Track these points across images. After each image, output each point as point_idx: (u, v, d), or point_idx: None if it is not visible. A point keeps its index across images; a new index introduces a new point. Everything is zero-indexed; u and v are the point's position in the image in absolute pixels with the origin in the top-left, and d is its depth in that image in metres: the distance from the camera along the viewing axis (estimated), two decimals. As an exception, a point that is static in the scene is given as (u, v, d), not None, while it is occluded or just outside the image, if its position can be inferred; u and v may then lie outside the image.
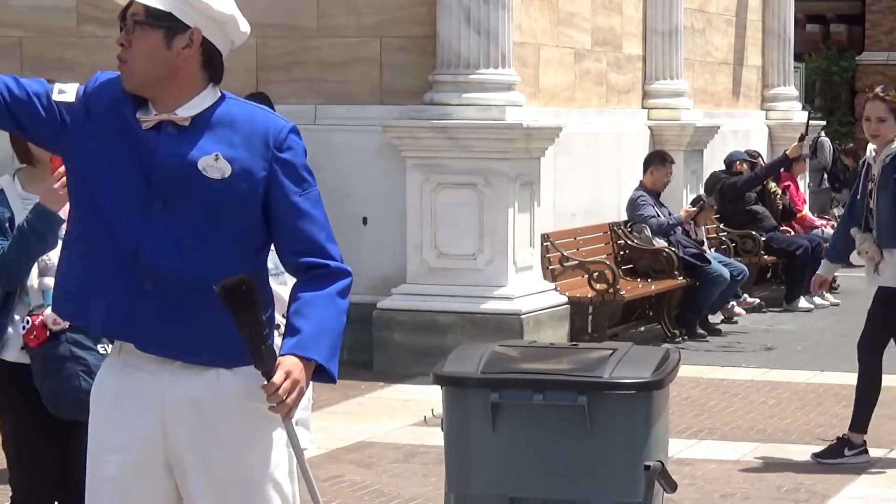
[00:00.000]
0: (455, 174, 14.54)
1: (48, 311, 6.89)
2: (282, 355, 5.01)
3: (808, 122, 21.34)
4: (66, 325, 6.84)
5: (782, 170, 20.80)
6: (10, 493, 7.24)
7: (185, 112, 5.10)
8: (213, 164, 5.07)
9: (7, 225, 6.93)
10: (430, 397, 12.84)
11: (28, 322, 6.89)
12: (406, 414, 12.68)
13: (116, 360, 5.25)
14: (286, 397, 4.94)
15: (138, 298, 5.06)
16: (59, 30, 15.65)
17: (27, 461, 7.13)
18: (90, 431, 5.31)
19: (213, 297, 4.90)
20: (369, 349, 14.49)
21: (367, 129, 14.69)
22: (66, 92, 5.13)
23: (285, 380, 4.94)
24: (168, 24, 5.04)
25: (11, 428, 7.18)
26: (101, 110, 5.11)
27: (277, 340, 6.27)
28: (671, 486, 6.18)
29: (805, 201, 22.38)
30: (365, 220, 14.81)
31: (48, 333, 6.85)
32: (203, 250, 5.07)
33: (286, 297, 6.63)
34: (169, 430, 5.12)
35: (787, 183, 21.35)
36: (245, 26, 5.20)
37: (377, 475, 10.74)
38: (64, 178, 6.56)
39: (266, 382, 4.94)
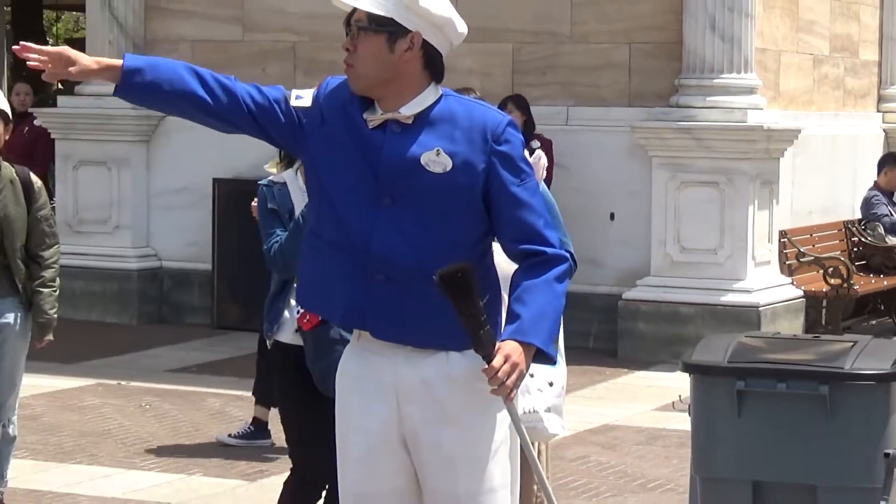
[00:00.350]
0: (698, 173, 14.47)
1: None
2: (502, 340, 5.02)
3: None
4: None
5: None
6: (291, 467, 7.34)
7: (408, 110, 5.12)
8: (435, 158, 5.10)
9: (287, 216, 7.03)
10: (672, 383, 12.88)
11: (300, 308, 6.97)
12: (649, 399, 12.65)
13: (356, 346, 5.32)
14: (506, 380, 4.94)
15: (372, 289, 5.12)
16: (330, 35, 15.77)
17: (308, 440, 7.19)
18: (337, 413, 5.41)
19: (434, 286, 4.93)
20: (614, 338, 14.48)
21: (615, 130, 14.68)
22: (303, 97, 5.21)
23: (504, 363, 4.94)
24: (390, 28, 5.08)
25: (293, 408, 7.26)
26: (333, 113, 5.17)
27: None
28: (909, 473, 6.12)
29: None
30: (612, 216, 14.81)
31: (320, 318, 6.92)
32: (429, 241, 5.10)
33: None
34: (403, 410, 5.18)
35: None
36: (462, 27, 5.23)
37: (621, 456, 10.73)
38: None
39: (486, 366, 4.95)
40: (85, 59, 5.07)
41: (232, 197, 15.15)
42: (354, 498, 5.33)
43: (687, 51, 14.69)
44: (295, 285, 6.97)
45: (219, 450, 10.64)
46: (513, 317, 5.07)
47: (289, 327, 7.10)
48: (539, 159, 7.12)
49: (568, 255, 5.28)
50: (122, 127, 16.31)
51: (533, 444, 6.97)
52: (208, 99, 5.15)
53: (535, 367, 6.51)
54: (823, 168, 17.02)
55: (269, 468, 9.62)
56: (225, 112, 5.18)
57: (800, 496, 6.15)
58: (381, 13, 5.07)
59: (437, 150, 5.09)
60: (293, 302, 7.02)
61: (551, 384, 6.66)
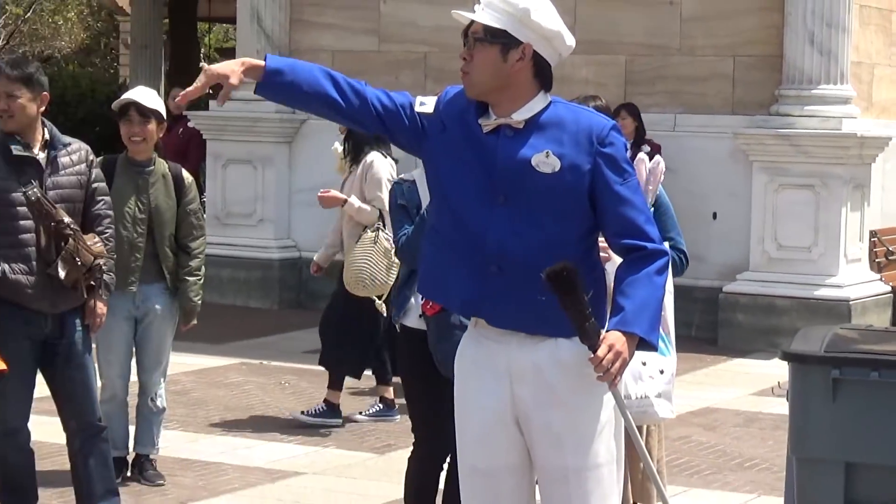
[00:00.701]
0: (795, 176, 14.42)
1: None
2: (607, 331, 5.02)
3: None
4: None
5: None
6: (414, 441, 7.33)
7: (520, 116, 5.14)
8: (545, 160, 5.11)
9: (415, 211, 7.03)
10: (767, 370, 12.82)
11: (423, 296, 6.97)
12: (746, 384, 12.60)
13: (473, 332, 5.34)
14: (610, 367, 4.94)
15: (487, 281, 5.13)
16: (458, 46, 15.73)
17: (430, 417, 7.17)
18: (455, 394, 5.43)
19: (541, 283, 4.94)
20: (715, 327, 14.44)
21: (719, 136, 14.64)
22: (426, 104, 5.24)
23: (609, 352, 4.94)
24: (503, 40, 5.09)
25: (417, 388, 7.24)
26: (452, 119, 5.19)
27: None
28: None
29: None
30: (715, 215, 14.79)
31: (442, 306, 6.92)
32: (539, 236, 5.10)
33: None
34: (516, 392, 5.18)
35: None
36: (570, 40, 5.20)
37: (720, 437, 10.67)
38: None
39: (592, 355, 4.95)
40: (230, 65, 5.13)
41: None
42: (472, 472, 5.33)
43: (787, 63, 14.63)
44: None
45: (351, 425, 10.67)
46: (617, 309, 5.08)
47: (414, 313, 7.09)
48: (658, 164, 7.09)
49: (667, 249, 5.30)
50: (267, 129, 16.43)
51: (645, 426, 6.97)
52: (340, 100, 5.19)
53: (648, 356, 6.52)
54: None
55: (396, 442, 9.62)
56: (355, 113, 5.24)
57: (889, 477, 6.07)
58: (496, 26, 5.09)
59: (547, 153, 5.11)
60: (418, 291, 7.04)
61: (662, 372, 6.67)
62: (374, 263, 10.08)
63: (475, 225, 5.14)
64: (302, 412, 10.60)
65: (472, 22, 5.16)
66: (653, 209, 7.09)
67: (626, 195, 5.15)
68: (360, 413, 10.75)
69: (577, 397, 5.16)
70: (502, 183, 5.11)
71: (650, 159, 7.12)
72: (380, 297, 10.19)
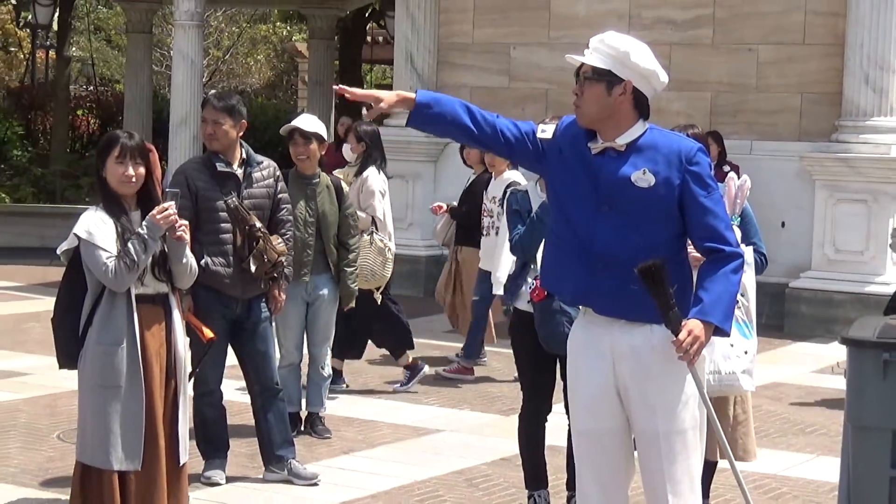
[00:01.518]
0: (851, 192, 14.27)
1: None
2: (688, 319, 5.00)
3: None
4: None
5: None
6: (522, 399, 7.36)
7: (622, 140, 5.15)
8: (642, 176, 5.11)
9: (527, 214, 7.05)
10: (824, 353, 12.67)
11: (533, 284, 6.97)
12: (807, 363, 12.46)
13: (582, 319, 5.34)
14: (689, 349, 4.94)
15: (594, 276, 5.14)
16: (574, 84, 15.78)
17: (535, 384, 7.25)
18: (568, 370, 5.43)
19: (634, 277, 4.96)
20: (782, 317, 14.27)
21: (788, 159, 14.51)
22: (546, 131, 5.26)
23: (688, 336, 4.94)
24: (608, 78, 5.11)
25: (525, 360, 7.27)
26: (567, 143, 5.21)
27: (738, 314, 6.24)
28: None
29: None
30: (783, 224, 14.64)
31: (546, 293, 6.90)
32: (637, 239, 5.09)
33: (743, 281, 6.54)
34: (616, 369, 5.18)
35: None
36: (664, 77, 5.19)
37: (785, 406, 10.55)
38: None
39: (674, 339, 4.95)
40: (387, 92, 5.20)
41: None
42: (581, 434, 5.34)
43: (845, 99, 14.48)
44: (532, 266, 6.99)
45: (482, 391, 10.66)
46: (697, 300, 5.06)
47: (524, 298, 7.11)
48: (745, 182, 7.05)
49: (742, 252, 5.28)
50: (417, 150, 16.49)
51: (732, 396, 6.94)
52: (475, 130, 5.22)
53: (735, 339, 6.51)
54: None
55: (518, 406, 9.63)
56: (486, 140, 5.28)
57: (928, 443, 5.96)
58: (602, 66, 5.11)
59: (644, 170, 5.11)
60: (529, 279, 7.04)
61: (746, 352, 6.68)
62: (371, 261, 10.08)
63: (584, 229, 5.15)
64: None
65: (583, 63, 5.16)
66: (740, 219, 7.03)
67: (709, 206, 5.13)
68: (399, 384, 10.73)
69: (667, 374, 5.14)
70: (606, 195, 5.12)
71: (738, 178, 7.08)
72: (377, 290, 10.21)
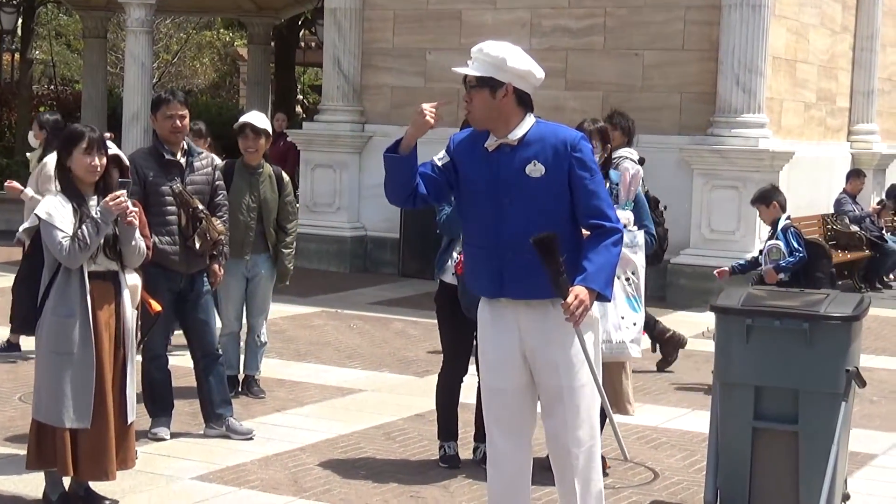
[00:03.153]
0: (724, 180, 14.36)
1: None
2: (573, 286, 5.04)
3: None
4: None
5: None
6: (441, 363, 7.37)
7: (514, 135, 5.16)
8: (533, 168, 5.12)
9: (452, 198, 7.03)
10: (701, 320, 12.74)
11: (457, 259, 6.97)
12: (686, 330, 12.40)
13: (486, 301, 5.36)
14: (576, 311, 4.99)
15: (506, 265, 5.17)
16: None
17: (456, 346, 7.27)
18: (479, 337, 5.43)
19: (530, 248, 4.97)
20: (664, 288, 14.33)
21: (669, 151, 14.53)
22: (443, 157, 5.29)
23: (574, 300, 4.99)
24: (490, 84, 5.11)
25: (448, 325, 7.28)
26: (464, 150, 5.24)
27: (628, 290, 6.26)
28: (861, 383, 5.96)
29: None
30: (665, 207, 14.64)
31: (469, 266, 6.92)
32: (540, 223, 5.08)
33: (634, 260, 6.57)
34: (522, 336, 5.22)
35: None
36: (540, 73, 5.19)
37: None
38: None
39: (563, 302, 5.01)
40: (413, 131, 5.24)
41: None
42: (492, 391, 5.35)
43: (719, 98, 14.55)
44: (457, 244, 6.99)
45: (399, 355, 10.65)
46: (581, 270, 5.09)
47: (449, 272, 7.12)
48: (638, 172, 7.10)
49: (621, 227, 5.27)
50: (344, 143, 16.41)
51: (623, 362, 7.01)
52: (411, 190, 5.29)
53: (626, 312, 6.54)
54: (809, 178, 16.80)
55: (433, 369, 9.61)
56: (416, 196, 5.31)
57: (786, 397, 6.03)
58: (484, 74, 5.12)
59: (534, 162, 5.12)
60: (454, 254, 7.04)
61: (635, 324, 6.69)
62: None
63: (493, 223, 5.15)
64: None
65: (467, 75, 5.17)
66: (633, 204, 7.08)
67: (592, 188, 5.16)
68: None
69: (566, 336, 5.17)
70: (506, 187, 5.13)
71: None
72: None
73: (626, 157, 8.65)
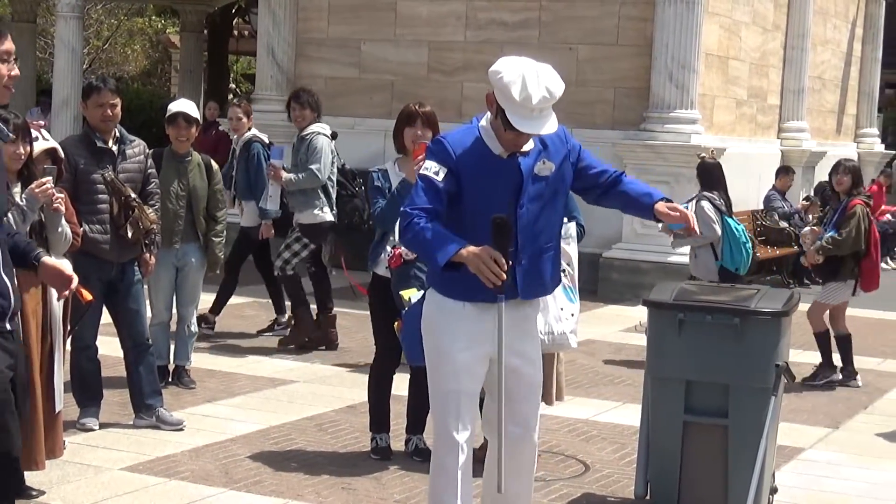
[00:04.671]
0: (656, 175, 14.38)
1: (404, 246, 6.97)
2: (659, 202, 5.30)
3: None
4: (414, 256, 6.91)
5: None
6: (374, 351, 7.39)
7: (526, 147, 5.04)
8: (542, 166, 5.07)
9: (387, 190, 7.03)
10: (632, 314, 12.85)
11: (391, 252, 6.97)
12: (617, 324, 12.63)
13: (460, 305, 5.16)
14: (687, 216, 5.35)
15: (517, 265, 5.04)
16: (415, 75, 15.79)
17: (388, 336, 7.21)
18: (444, 339, 5.16)
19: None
20: (595, 282, 14.42)
21: (602, 145, 14.52)
22: (439, 172, 4.96)
23: (678, 211, 5.36)
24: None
25: (380, 317, 7.28)
26: (472, 156, 4.99)
27: (565, 281, 6.28)
28: (791, 378, 6.03)
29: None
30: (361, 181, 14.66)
31: (402, 260, 6.92)
32: (547, 225, 5.11)
33: (568, 251, 6.58)
34: (497, 337, 4.98)
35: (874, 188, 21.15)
36: (517, 94, 4.88)
37: (597, 361, 10.70)
38: (419, 160, 6.70)
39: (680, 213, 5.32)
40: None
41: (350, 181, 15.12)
42: (454, 392, 5.16)
43: (652, 94, 14.66)
44: (391, 236, 6.97)
45: (332, 346, 10.62)
46: (647, 194, 5.41)
47: (383, 264, 7.11)
48: None
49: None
50: (276, 132, 16.27)
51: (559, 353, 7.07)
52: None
53: (564, 303, 6.56)
54: (739, 175, 16.90)
55: (366, 360, 9.60)
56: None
57: (716, 391, 6.09)
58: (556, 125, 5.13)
59: (543, 161, 5.07)
60: (388, 248, 7.02)
61: (573, 315, 6.72)
62: None
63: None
64: None
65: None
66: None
67: (591, 155, 5.39)
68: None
69: (536, 333, 5.30)
70: (522, 190, 5.02)
71: None
72: None
73: (319, 133, 8.74)
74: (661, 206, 5.21)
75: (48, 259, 4.77)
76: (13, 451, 4.54)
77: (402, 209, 5.05)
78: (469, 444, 5.18)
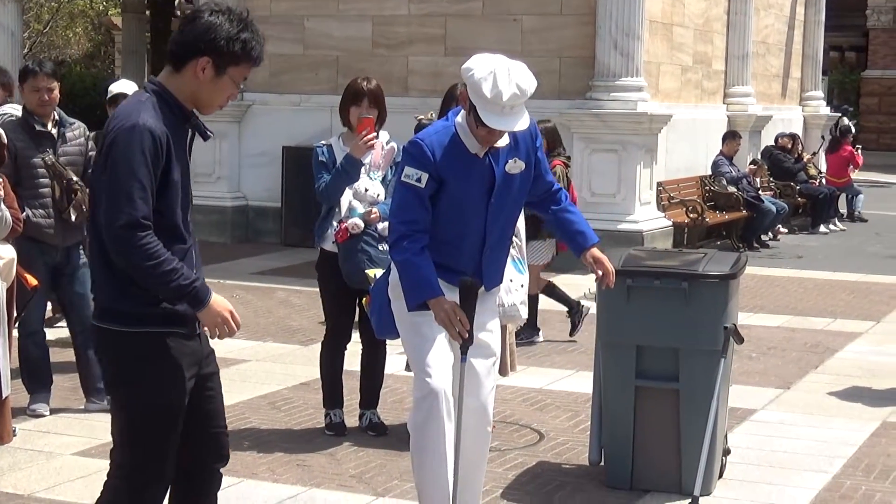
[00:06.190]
0: (604, 144, 14.51)
1: (350, 220, 6.95)
2: (587, 250, 5.42)
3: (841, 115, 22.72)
4: (361, 230, 6.89)
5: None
6: (325, 331, 7.36)
7: (503, 140, 5.07)
8: (514, 165, 5.12)
9: (331, 166, 7.01)
10: (584, 282, 12.85)
11: (337, 226, 6.95)
12: (570, 292, 12.55)
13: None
14: (609, 272, 5.45)
15: (485, 258, 5.18)
16: (360, 50, 15.72)
17: (337, 312, 7.25)
18: (418, 327, 5.16)
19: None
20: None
21: (550, 115, 14.51)
22: (420, 177, 5.00)
23: (605, 264, 5.47)
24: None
25: (328, 293, 7.27)
26: (450, 155, 5.03)
27: (513, 252, 6.27)
28: (740, 340, 6.06)
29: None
30: (545, 171, 14.81)
31: (349, 235, 6.91)
32: (510, 219, 5.20)
33: (517, 226, 6.49)
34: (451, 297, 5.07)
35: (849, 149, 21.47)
36: (487, 91, 4.89)
37: (550, 329, 10.70)
38: (367, 137, 6.68)
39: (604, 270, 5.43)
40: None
41: (294, 157, 15.14)
42: (446, 365, 5.18)
43: (598, 63, 14.68)
44: (336, 210, 6.96)
45: (283, 324, 10.59)
46: (580, 233, 5.51)
47: (329, 239, 7.08)
48: (393, 148, 7.06)
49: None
50: (223, 112, 16.04)
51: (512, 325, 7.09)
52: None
53: (513, 275, 6.58)
54: (687, 141, 17.04)
55: (317, 337, 9.58)
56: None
57: (667, 356, 6.11)
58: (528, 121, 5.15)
59: (515, 159, 5.12)
60: (334, 223, 7.00)
61: (522, 286, 6.73)
62: None
63: (480, 221, 5.09)
64: None
65: None
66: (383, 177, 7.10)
67: (545, 163, 5.38)
68: None
69: (493, 312, 5.37)
70: (494, 187, 5.08)
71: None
72: None
73: (10, 113, 8.20)
74: (595, 254, 5.40)
75: None
76: None
77: (390, 221, 5.20)
78: (450, 392, 5.13)
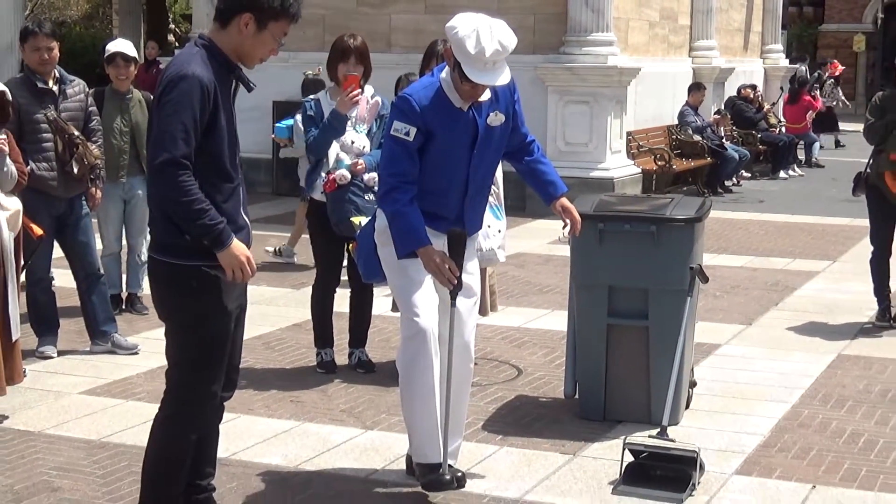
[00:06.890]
0: (577, 96, 14.50)
1: (338, 171, 6.92)
2: (557, 198, 5.41)
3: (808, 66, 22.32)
4: (348, 180, 6.87)
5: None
6: (315, 275, 7.36)
7: (486, 94, 5.05)
8: (495, 118, 5.10)
9: (319, 119, 6.97)
10: (559, 227, 12.85)
11: (325, 177, 6.92)
12: (544, 237, 12.66)
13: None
14: (577, 221, 5.53)
15: (468, 204, 5.17)
16: (346, 9, 15.63)
17: (327, 259, 7.26)
18: (407, 271, 5.12)
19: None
20: (524, 199, 14.37)
21: (524, 70, 14.44)
22: (409, 131, 4.98)
23: (573, 213, 5.50)
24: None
25: (318, 241, 7.26)
26: (435, 109, 5.00)
27: (491, 199, 6.22)
28: (705, 279, 6.07)
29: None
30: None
31: (336, 185, 6.88)
32: (490, 168, 5.19)
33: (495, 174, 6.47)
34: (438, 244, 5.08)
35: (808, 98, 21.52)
36: (472, 48, 4.86)
37: (526, 272, 10.73)
38: (353, 92, 6.64)
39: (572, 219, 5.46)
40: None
41: (284, 111, 15.01)
42: (431, 305, 5.14)
43: (570, 19, 14.68)
44: (325, 162, 6.94)
45: (275, 267, 10.59)
46: (550, 183, 5.47)
47: (318, 189, 7.07)
48: (378, 101, 7.03)
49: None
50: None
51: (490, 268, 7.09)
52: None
53: (491, 221, 6.57)
54: (655, 92, 17.03)
55: (308, 281, 9.58)
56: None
57: (637, 295, 6.13)
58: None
59: (496, 112, 5.10)
60: (322, 174, 6.98)
61: (500, 231, 6.72)
62: None
63: (464, 170, 5.07)
64: None
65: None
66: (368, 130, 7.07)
67: (522, 115, 5.35)
68: None
69: (475, 257, 5.35)
70: (478, 138, 5.07)
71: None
72: None
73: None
74: (563, 203, 5.39)
75: None
76: None
77: (380, 173, 5.14)
78: (437, 331, 5.09)
